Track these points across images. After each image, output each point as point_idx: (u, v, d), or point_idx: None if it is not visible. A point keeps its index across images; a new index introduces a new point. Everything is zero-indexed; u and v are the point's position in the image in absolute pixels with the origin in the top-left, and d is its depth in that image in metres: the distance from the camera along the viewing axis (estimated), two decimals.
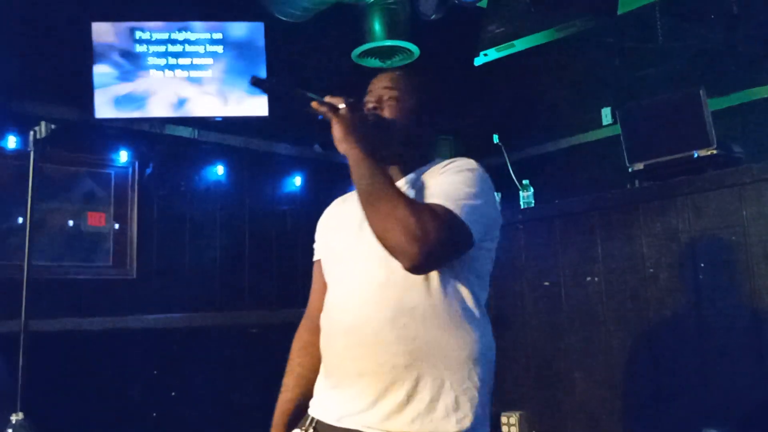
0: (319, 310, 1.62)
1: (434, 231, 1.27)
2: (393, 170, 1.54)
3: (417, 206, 1.31)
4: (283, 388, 1.67)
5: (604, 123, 4.35)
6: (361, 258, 1.46)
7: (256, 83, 1.50)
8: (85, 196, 3.95)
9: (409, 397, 1.36)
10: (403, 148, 1.55)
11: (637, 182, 3.35)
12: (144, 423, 3.68)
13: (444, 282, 1.40)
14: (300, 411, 1.58)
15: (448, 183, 1.42)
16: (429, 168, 1.53)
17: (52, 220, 3.82)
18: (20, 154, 3.46)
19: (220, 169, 4.37)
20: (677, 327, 2.87)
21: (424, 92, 1.60)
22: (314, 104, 1.45)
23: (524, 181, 3.85)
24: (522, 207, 3.78)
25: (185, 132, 4.20)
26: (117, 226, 3.98)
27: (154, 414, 3.75)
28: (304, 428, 1.50)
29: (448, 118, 1.70)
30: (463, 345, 1.39)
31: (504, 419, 3.44)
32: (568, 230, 3.41)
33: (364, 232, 1.40)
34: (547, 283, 3.45)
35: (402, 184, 1.51)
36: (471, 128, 4.81)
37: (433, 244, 1.27)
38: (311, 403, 1.56)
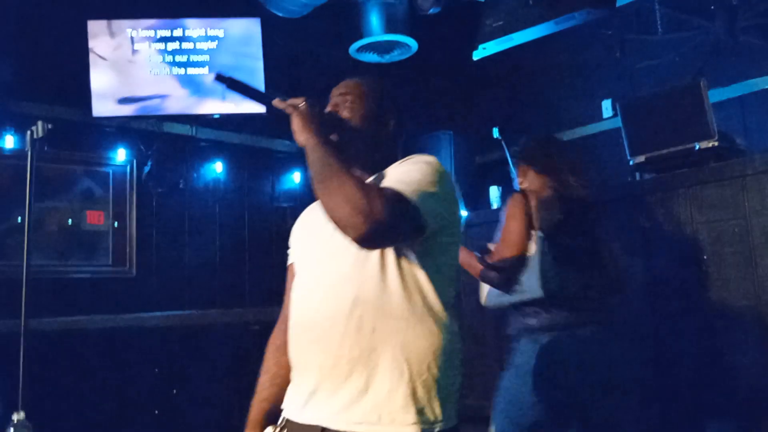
0: None
1: (380, 206, 1.30)
2: (358, 172, 1.53)
3: (365, 185, 1.36)
4: (258, 388, 1.73)
5: (605, 116, 4.33)
6: (321, 256, 1.52)
7: (220, 79, 1.56)
8: (84, 194, 3.94)
9: (367, 388, 1.38)
10: (364, 148, 1.60)
11: (638, 175, 3.33)
12: (145, 421, 3.68)
13: (401, 275, 1.43)
14: (276, 410, 1.61)
15: (402, 172, 1.47)
16: (393, 165, 1.58)
17: (51, 220, 3.81)
18: (18, 154, 3.45)
19: (218, 167, 4.36)
20: (680, 320, 2.86)
21: (381, 96, 1.67)
22: (276, 101, 1.54)
23: None
24: None
25: (183, 129, 4.18)
26: (116, 224, 3.97)
27: (156, 412, 3.75)
28: (277, 428, 1.55)
29: (412, 120, 1.73)
30: (422, 336, 1.41)
31: None
32: None
33: (324, 230, 1.45)
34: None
35: (372, 179, 1.55)
36: (470, 123, 4.80)
37: (378, 218, 1.30)
38: (284, 401, 1.58)
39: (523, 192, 2.54)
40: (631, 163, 3.28)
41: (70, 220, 3.87)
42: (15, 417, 2.54)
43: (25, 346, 2.74)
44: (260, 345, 4.24)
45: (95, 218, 3.95)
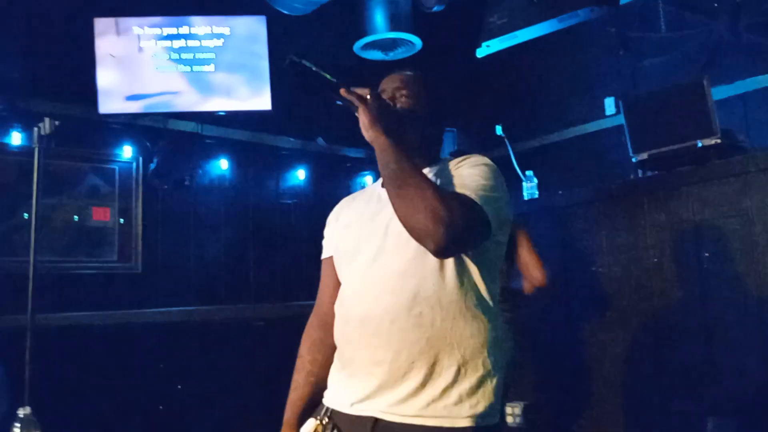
0: (329, 306, 1.64)
1: (460, 216, 1.32)
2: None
3: (443, 192, 1.36)
4: (293, 386, 1.69)
5: (608, 113, 4.33)
6: (376, 250, 1.50)
7: (292, 65, 1.50)
8: (90, 191, 3.96)
9: (425, 383, 1.39)
10: (420, 143, 1.58)
11: (641, 172, 3.34)
12: (150, 416, 3.70)
13: (458, 272, 1.43)
14: (311, 409, 1.60)
15: (467, 176, 1.47)
16: (442, 164, 1.58)
17: (58, 216, 3.83)
18: (25, 151, 3.48)
19: (223, 163, 4.38)
20: (682, 317, 2.87)
21: (433, 92, 1.64)
22: (342, 91, 1.47)
23: (528, 173, 3.85)
24: (526, 198, 3.78)
25: (189, 126, 4.20)
26: (122, 221, 4.00)
27: (161, 407, 3.77)
28: (319, 417, 1.52)
29: (455, 117, 1.70)
30: (477, 333, 1.43)
31: (509, 410, 3.45)
32: (573, 221, 3.41)
33: (378, 225, 1.49)
34: (551, 274, 3.45)
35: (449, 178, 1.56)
36: (474, 120, 4.81)
37: (458, 228, 1.31)
38: (326, 393, 1.58)
39: None
40: (633, 160, 3.28)
41: (76, 217, 3.90)
42: (21, 412, 2.57)
43: (31, 341, 2.77)
44: (265, 341, 4.31)
45: (101, 214, 3.98)
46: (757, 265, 2.67)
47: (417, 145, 1.57)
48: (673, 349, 2.92)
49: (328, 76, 1.50)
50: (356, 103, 1.46)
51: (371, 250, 1.51)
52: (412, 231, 1.36)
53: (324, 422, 1.51)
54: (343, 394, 1.50)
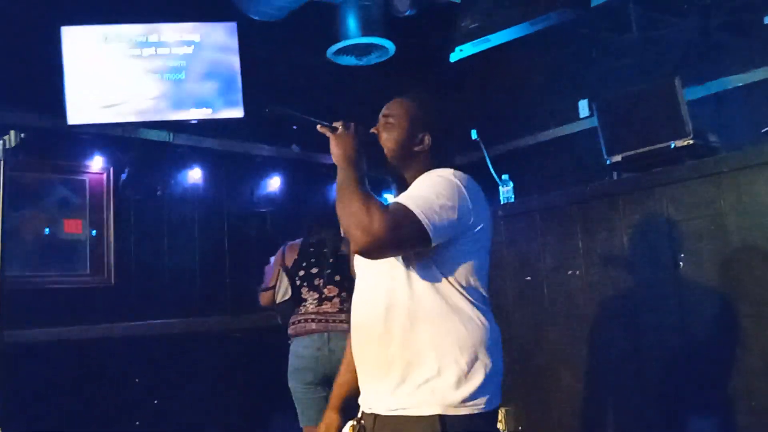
0: None
1: (378, 220, 1.48)
2: (402, 182, 1.78)
3: (370, 202, 1.53)
4: (339, 374, 1.98)
5: (582, 115, 4.35)
6: (365, 267, 1.74)
7: (271, 111, 1.84)
8: (60, 203, 3.90)
9: (403, 380, 1.59)
10: (400, 165, 1.78)
11: (615, 174, 3.35)
12: None
13: (424, 281, 1.61)
14: (352, 392, 1.83)
15: (416, 187, 1.65)
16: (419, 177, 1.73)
17: (27, 229, 3.76)
18: None
19: (196, 173, 4.33)
20: (659, 317, 2.88)
21: (419, 114, 1.80)
22: (318, 127, 1.73)
23: (504, 176, 3.85)
24: (502, 202, 3.77)
25: (160, 136, 4.15)
26: (93, 233, 3.93)
27: (137, 423, 3.71)
28: (356, 419, 1.75)
29: (451, 134, 1.91)
30: (449, 333, 1.58)
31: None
32: (549, 224, 3.41)
33: None
34: (528, 278, 3.45)
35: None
36: (441, 118, 4.79)
37: (377, 232, 1.48)
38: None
39: None
40: (608, 162, 3.29)
41: (47, 229, 3.82)
42: None
43: (1, 358, 2.70)
44: (243, 352, 4.25)
45: (73, 227, 3.91)
46: (730, 263, 2.69)
47: (398, 164, 1.77)
48: (650, 348, 2.93)
49: (304, 116, 1.76)
50: (327, 134, 1.71)
51: (362, 267, 1.76)
52: (347, 236, 1.57)
53: (357, 422, 1.74)
54: (361, 395, 1.74)
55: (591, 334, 3.16)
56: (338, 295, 3.28)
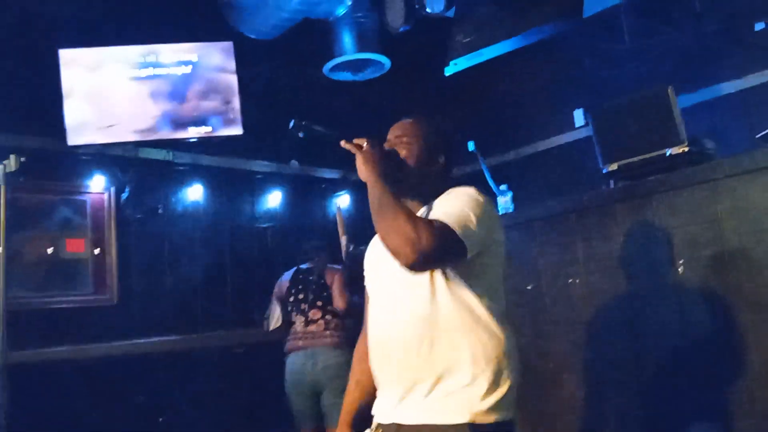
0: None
1: (426, 237, 1.52)
2: (413, 204, 1.81)
3: (415, 218, 1.58)
4: (347, 391, 1.99)
5: (577, 125, 4.38)
6: (386, 281, 1.78)
7: (296, 128, 1.81)
8: (62, 223, 3.92)
9: (429, 393, 1.63)
10: (418, 182, 1.83)
11: (612, 182, 3.37)
12: None
13: (450, 295, 1.66)
14: (363, 410, 1.89)
15: (447, 204, 1.70)
16: (440, 197, 1.79)
17: (30, 250, 3.78)
18: None
19: (197, 190, 4.35)
20: (660, 324, 2.89)
21: (432, 134, 1.88)
22: (343, 142, 1.75)
23: (502, 187, 3.87)
24: (501, 213, 3.79)
25: (160, 155, 4.18)
26: (96, 251, 3.95)
27: None
28: (371, 429, 1.78)
29: (453, 153, 1.95)
30: (472, 346, 1.63)
31: None
32: (547, 233, 3.42)
33: (385, 259, 1.67)
34: (529, 287, 3.46)
35: (422, 210, 1.79)
36: (451, 137, 4.82)
37: (425, 248, 1.52)
38: (374, 407, 1.82)
39: None
40: (604, 171, 3.31)
41: (49, 250, 3.84)
42: None
43: (6, 379, 2.72)
44: (245, 367, 4.26)
45: (75, 246, 3.93)
46: (728, 269, 2.70)
47: (416, 181, 1.82)
48: (651, 354, 2.93)
49: (327, 131, 1.79)
50: (353, 151, 1.73)
51: (384, 281, 1.79)
52: (390, 251, 1.57)
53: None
54: (378, 406, 1.78)
55: (592, 341, 3.17)
56: (322, 318, 3.75)
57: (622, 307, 3.05)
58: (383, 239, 1.59)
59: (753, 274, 2.62)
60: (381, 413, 1.75)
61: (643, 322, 2.96)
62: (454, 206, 1.67)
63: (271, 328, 3.93)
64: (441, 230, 1.57)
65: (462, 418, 1.58)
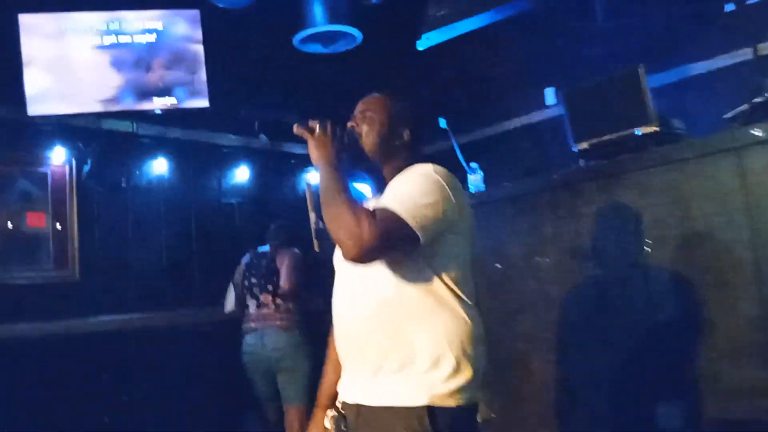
0: None
1: (369, 231, 1.49)
2: (384, 178, 1.79)
3: (357, 210, 1.54)
4: (323, 373, 1.95)
5: (548, 103, 4.37)
6: (345, 262, 1.68)
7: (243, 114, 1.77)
8: (22, 196, 3.81)
9: (390, 373, 1.60)
10: (381, 156, 1.79)
11: (582, 161, 3.37)
12: (96, 429, 3.58)
13: (412, 276, 1.62)
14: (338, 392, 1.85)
15: (397, 187, 1.65)
16: (395, 178, 1.73)
17: None
18: None
19: (161, 164, 4.26)
20: (628, 304, 2.91)
21: (397, 108, 1.83)
22: (295, 127, 1.72)
23: (473, 164, 3.85)
24: (472, 191, 3.78)
25: (123, 126, 4.07)
26: (58, 226, 3.85)
27: (106, 420, 3.66)
28: (335, 409, 1.78)
29: (425, 127, 1.90)
30: (436, 327, 1.60)
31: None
32: (518, 212, 3.43)
33: None
34: (498, 266, 3.47)
35: (385, 191, 1.72)
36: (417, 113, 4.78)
37: (367, 242, 1.49)
38: (338, 385, 1.81)
39: None
40: (575, 150, 3.31)
41: (9, 224, 3.74)
42: None
43: None
44: (211, 346, 4.22)
45: (36, 220, 3.83)
46: (695, 249, 2.73)
47: (379, 159, 1.79)
48: (618, 333, 2.96)
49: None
50: (304, 136, 1.70)
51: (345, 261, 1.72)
52: (336, 243, 1.56)
53: (337, 411, 1.76)
54: (342, 385, 1.76)
55: (560, 320, 3.19)
56: (273, 302, 3.80)
57: (590, 286, 3.08)
58: (329, 229, 1.57)
59: (719, 253, 2.65)
60: (345, 392, 1.74)
61: (611, 302, 2.99)
62: (404, 189, 1.62)
63: (226, 311, 4.00)
64: (386, 222, 1.52)
65: (420, 400, 1.55)
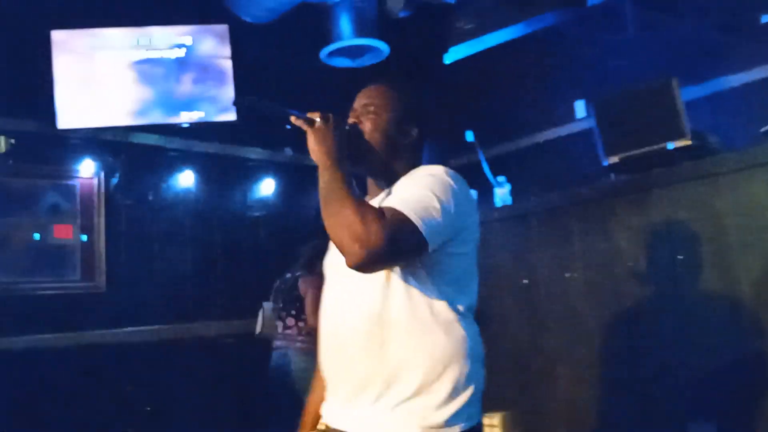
0: None
1: (377, 232, 1.32)
2: (381, 181, 1.63)
3: (364, 209, 1.36)
4: (311, 390, 1.79)
5: (578, 116, 4.31)
6: (340, 272, 1.53)
7: (238, 103, 1.59)
8: (51, 208, 3.85)
9: (379, 398, 1.44)
10: (384, 159, 1.61)
11: (612, 176, 3.31)
12: None
13: (405, 288, 1.45)
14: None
15: (405, 188, 1.48)
16: (402, 179, 1.57)
17: (17, 235, 3.72)
18: None
19: (188, 177, 4.28)
20: (658, 321, 2.84)
21: (404, 102, 1.66)
22: (292, 118, 1.53)
23: (500, 178, 3.80)
24: (498, 205, 3.73)
25: (151, 139, 4.10)
26: (84, 238, 3.88)
27: (130, 430, 3.66)
28: (317, 430, 1.63)
29: (432, 122, 1.73)
30: (430, 347, 1.44)
31: (486, 420, 3.39)
32: (546, 227, 3.37)
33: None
34: (526, 281, 3.41)
35: (384, 193, 1.58)
36: (443, 127, 4.75)
37: (374, 246, 1.32)
38: (323, 407, 1.66)
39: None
40: (605, 164, 3.25)
41: (37, 235, 3.78)
42: None
43: None
44: (234, 358, 4.21)
45: (63, 232, 3.86)
46: (729, 266, 2.65)
47: (383, 158, 1.61)
48: (648, 353, 2.89)
49: (277, 106, 1.56)
50: (304, 128, 1.52)
51: (338, 272, 1.57)
52: (336, 248, 1.39)
53: None
54: (326, 406, 1.60)
55: (588, 337, 3.12)
56: (296, 325, 3.84)
57: (620, 303, 3.01)
58: (329, 233, 1.39)
59: (753, 270, 2.57)
60: (329, 414, 1.58)
61: (641, 318, 2.92)
62: (414, 191, 1.44)
63: (257, 332, 4.11)
64: (395, 223, 1.35)
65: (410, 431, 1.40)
